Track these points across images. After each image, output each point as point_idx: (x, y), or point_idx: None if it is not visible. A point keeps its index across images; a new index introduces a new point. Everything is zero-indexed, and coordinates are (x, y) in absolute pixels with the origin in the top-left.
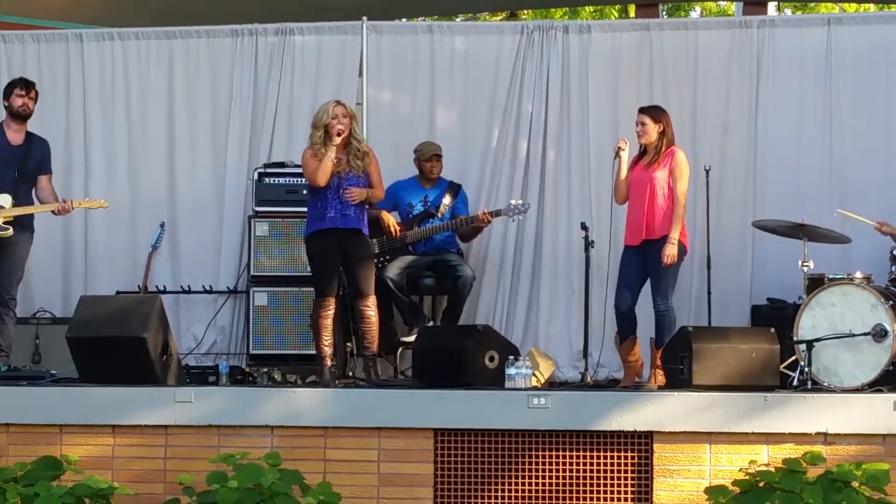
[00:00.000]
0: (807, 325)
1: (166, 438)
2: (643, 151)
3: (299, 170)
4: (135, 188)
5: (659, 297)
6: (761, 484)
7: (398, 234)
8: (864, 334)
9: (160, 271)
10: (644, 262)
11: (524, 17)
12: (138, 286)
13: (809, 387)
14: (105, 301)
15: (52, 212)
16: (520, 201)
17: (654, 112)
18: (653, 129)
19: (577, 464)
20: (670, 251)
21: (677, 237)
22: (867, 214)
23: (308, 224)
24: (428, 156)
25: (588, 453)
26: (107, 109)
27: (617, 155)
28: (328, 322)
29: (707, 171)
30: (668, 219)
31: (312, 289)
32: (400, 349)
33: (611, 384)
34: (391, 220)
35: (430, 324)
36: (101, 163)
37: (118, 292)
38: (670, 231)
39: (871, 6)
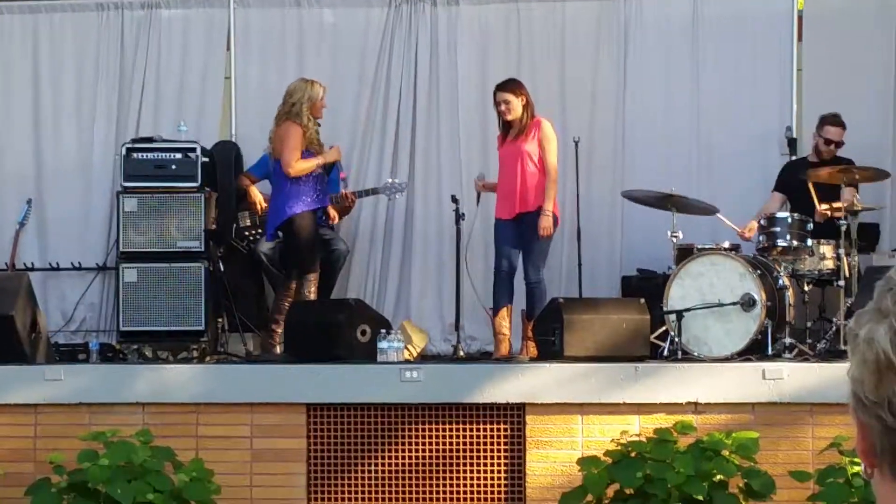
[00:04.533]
0: (676, 296)
1: (36, 417)
2: (507, 127)
3: (168, 145)
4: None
5: (531, 269)
6: (633, 454)
7: (262, 211)
8: (733, 304)
9: (27, 248)
10: (518, 235)
11: None
12: (5, 263)
13: (679, 357)
14: None
15: None
16: (397, 180)
17: (513, 86)
18: (517, 104)
19: (450, 436)
20: (545, 223)
21: (551, 208)
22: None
23: (297, 203)
24: None
25: (461, 426)
26: None
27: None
28: None
29: (576, 143)
30: (542, 190)
31: (183, 265)
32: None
33: (483, 357)
34: (258, 196)
35: None
36: None
37: None
38: (544, 203)
39: None
